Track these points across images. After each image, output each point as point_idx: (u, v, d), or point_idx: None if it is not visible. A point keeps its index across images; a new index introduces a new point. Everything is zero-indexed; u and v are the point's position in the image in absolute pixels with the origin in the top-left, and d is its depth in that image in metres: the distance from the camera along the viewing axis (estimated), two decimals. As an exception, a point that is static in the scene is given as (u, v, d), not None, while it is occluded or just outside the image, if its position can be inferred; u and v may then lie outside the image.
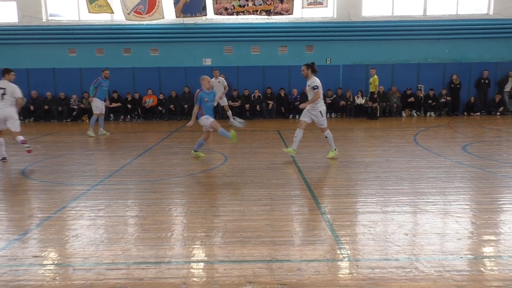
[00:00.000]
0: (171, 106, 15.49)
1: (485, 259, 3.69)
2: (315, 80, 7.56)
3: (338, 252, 3.79)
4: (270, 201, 5.35)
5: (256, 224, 4.49)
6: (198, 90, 7.80)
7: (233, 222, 4.56)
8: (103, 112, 11.81)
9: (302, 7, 15.73)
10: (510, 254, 3.72)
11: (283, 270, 3.44)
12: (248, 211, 4.93)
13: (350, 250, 3.82)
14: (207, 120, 7.79)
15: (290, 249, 3.86)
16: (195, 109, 7.80)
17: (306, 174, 6.71)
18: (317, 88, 7.48)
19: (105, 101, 11.76)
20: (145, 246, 3.97)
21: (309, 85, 7.64)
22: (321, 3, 15.67)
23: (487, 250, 3.91)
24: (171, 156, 8.59)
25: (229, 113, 13.49)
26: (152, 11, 15.33)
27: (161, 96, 15.70)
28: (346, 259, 3.65)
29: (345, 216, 4.76)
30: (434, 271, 3.40)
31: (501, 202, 5.39)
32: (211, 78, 13.22)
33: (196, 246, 4.00)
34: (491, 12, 16.18)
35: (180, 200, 5.63)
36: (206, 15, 15.54)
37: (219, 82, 13.13)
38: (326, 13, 16.20)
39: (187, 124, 7.91)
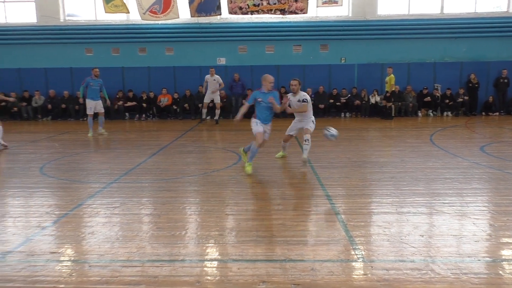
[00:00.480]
0: (186, 105, 15.58)
1: (503, 262, 3.61)
2: (304, 94, 7.26)
3: (352, 252, 3.76)
4: (283, 201, 5.34)
5: (269, 224, 4.48)
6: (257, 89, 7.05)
7: (247, 221, 4.57)
8: (102, 111, 11.63)
9: (317, 6, 15.65)
10: (530, 257, 3.64)
11: (296, 270, 3.43)
12: (262, 210, 4.93)
13: (364, 251, 3.78)
14: (255, 126, 6.83)
15: (304, 249, 3.84)
16: (244, 107, 7.00)
17: (320, 174, 6.67)
18: (307, 102, 7.21)
19: (105, 101, 11.67)
20: (160, 244, 4.00)
21: (299, 100, 7.21)
22: (336, 2, 15.57)
23: (506, 253, 3.83)
24: (186, 155, 8.64)
25: (218, 111, 13.67)
26: (167, 11, 15.44)
27: (175, 95, 15.81)
28: (361, 260, 3.61)
29: (360, 216, 4.72)
30: (451, 273, 3.34)
31: (520, 204, 5.27)
32: (207, 75, 13.49)
33: (209, 244, 4.01)
34: (511, 10, 15.84)
35: (194, 199, 5.66)
36: (220, 14, 15.59)
37: (214, 80, 13.50)
38: (341, 12, 16.08)
39: (234, 119, 7.30)
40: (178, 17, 15.56)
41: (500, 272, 3.41)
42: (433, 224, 4.54)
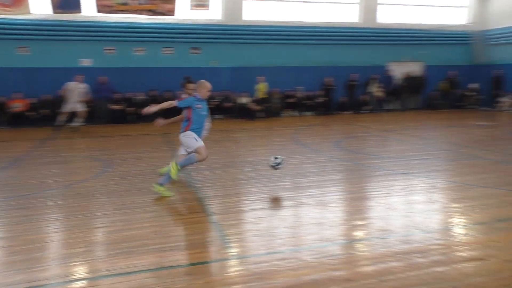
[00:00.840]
0: (44, 111, 14.03)
1: (356, 242, 4.11)
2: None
3: (226, 251, 3.86)
4: (156, 207, 5.21)
5: (142, 232, 4.32)
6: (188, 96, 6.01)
7: (117, 233, 4.33)
8: None
9: (187, 9, 15.66)
10: (377, 235, 4.20)
11: (171, 277, 3.38)
12: (133, 220, 4.72)
13: (237, 248, 3.92)
14: (195, 142, 5.73)
15: (179, 254, 3.81)
16: (167, 104, 5.61)
17: (193, 177, 6.69)
18: None
19: None
20: (14, 270, 3.53)
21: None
22: (205, 6, 15.78)
23: (358, 233, 4.36)
24: (45, 167, 7.79)
25: (81, 119, 12.82)
26: (19, 3, 13.66)
27: (31, 100, 14.10)
28: (234, 257, 3.73)
29: (232, 215, 4.87)
30: (314, 258, 3.67)
31: (368, 190, 6.06)
32: (73, 82, 12.54)
33: (75, 263, 3.69)
34: (359, 21, 18.16)
35: (56, 215, 5.14)
36: (84, 12, 14.43)
37: (83, 88, 12.67)
38: (212, 15, 16.36)
39: (157, 124, 6.34)
40: (33, 12, 13.91)
41: (354, 251, 3.87)
42: (298, 215, 4.93)
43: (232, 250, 3.87)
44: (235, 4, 16.57)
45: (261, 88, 15.57)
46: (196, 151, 5.69)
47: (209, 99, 14.98)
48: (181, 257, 3.74)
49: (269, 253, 3.80)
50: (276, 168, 6.25)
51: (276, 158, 6.25)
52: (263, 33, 16.81)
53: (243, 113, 15.91)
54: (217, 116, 15.84)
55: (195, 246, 4.00)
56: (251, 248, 3.95)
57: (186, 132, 5.76)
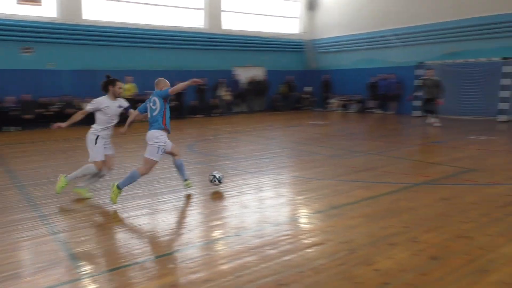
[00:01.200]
0: None
1: (213, 242, 4.23)
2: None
3: (76, 271, 3.55)
4: (-15, 232, 4.47)
5: (-34, 265, 3.66)
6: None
7: None
8: None
9: (13, 3, 13.77)
10: (232, 233, 4.40)
11: (9, 310, 2.96)
12: (-47, 251, 3.96)
13: (88, 266, 3.64)
14: (155, 153, 5.43)
15: (18, 283, 3.35)
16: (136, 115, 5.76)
17: (31, 193, 5.95)
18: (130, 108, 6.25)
19: None
20: None
21: (120, 106, 6.07)
22: (36, 1, 14.15)
23: (215, 234, 4.49)
24: None
25: None
26: None
27: None
28: (85, 276, 3.46)
29: (81, 231, 4.49)
30: (173, 264, 3.65)
31: (222, 191, 6.28)
32: None
33: None
34: (205, 27, 18.60)
35: None
36: None
37: None
38: (45, 12, 14.71)
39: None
40: None
41: (211, 252, 3.97)
42: (154, 222, 4.83)
43: (83, 268, 3.58)
44: (72, 1, 15.27)
45: (130, 88, 14.84)
46: (144, 161, 5.35)
47: (48, 105, 13.68)
48: (23, 285, 3.29)
49: (126, 265, 3.64)
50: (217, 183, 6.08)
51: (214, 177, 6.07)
52: (107, 34, 15.92)
53: (90, 120, 14.78)
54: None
55: (39, 270, 3.56)
56: (105, 263, 3.71)
57: (158, 131, 5.49)
